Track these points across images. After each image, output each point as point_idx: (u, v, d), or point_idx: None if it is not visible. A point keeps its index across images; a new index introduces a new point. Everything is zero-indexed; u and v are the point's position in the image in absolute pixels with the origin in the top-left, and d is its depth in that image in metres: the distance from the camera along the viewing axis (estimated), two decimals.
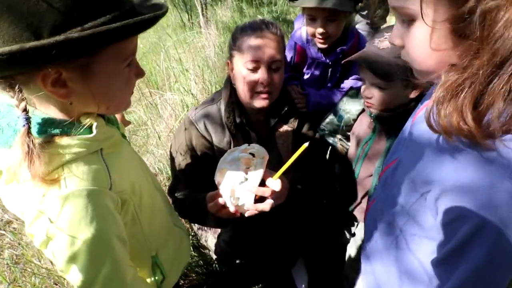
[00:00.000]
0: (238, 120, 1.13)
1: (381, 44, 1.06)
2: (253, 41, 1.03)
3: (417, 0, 0.47)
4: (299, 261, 1.55)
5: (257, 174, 0.91)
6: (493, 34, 0.42)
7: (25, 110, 0.56)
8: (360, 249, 1.43)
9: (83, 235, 0.59)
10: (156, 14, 0.58)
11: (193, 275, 1.69)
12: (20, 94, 0.55)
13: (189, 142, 1.16)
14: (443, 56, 0.50)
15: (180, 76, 2.78)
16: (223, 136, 1.15)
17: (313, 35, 1.46)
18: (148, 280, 0.88)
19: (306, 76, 1.65)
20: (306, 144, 0.87)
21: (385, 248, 0.74)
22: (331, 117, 1.35)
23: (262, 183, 0.93)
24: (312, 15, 1.40)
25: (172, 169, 1.24)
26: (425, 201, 0.58)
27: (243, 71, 1.06)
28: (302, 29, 1.55)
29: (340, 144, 1.43)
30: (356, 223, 1.44)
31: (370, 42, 1.11)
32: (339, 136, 1.36)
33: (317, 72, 1.61)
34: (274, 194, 0.94)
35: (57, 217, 0.58)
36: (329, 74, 1.59)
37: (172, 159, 1.22)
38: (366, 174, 1.27)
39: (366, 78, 1.12)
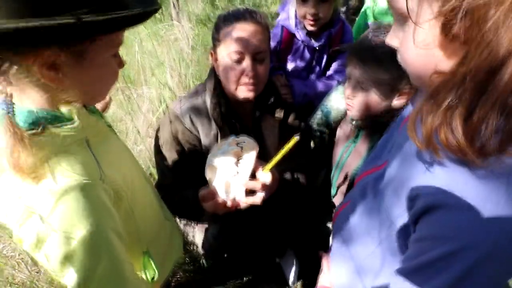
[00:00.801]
0: (224, 111, 1.10)
1: (375, 39, 1.04)
2: (237, 31, 1.00)
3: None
4: (288, 252, 1.56)
5: (247, 167, 0.91)
6: (481, 35, 0.38)
7: (11, 96, 0.52)
8: None
9: (78, 232, 0.56)
10: (156, 8, 0.58)
11: (181, 273, 1.66)
12: (7, 78, 0.52)
13: (175, 136, 1.12)
14: (431, 57, 0.45)
15: (155, 69, 2.69)
16: (209, 129, 1.12)
17: (304, 17, 1.47)
18: (140, 276, 0.84)
19: (290, 64, 1.65)
20: (297, 137, 0.87)
21: (350, 258, 0.70)
22: (319, 114, 1.35)
23: (253, 175, 0.92)
24: None
25: (158, 165, 1.19)
26: (407, 218, 0.53)
27: (227, 62, 1.03)
28: (290, 12, 1.55)
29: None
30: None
31: (364, 37, 1.10)
32: (327, 131, 1.36)
33: (302, 61, 1.62)
34: (264, 187, 0.93)
35: (49, 215, 0.53)
36: (314, 60, 1.60)
37: (157, 154, 1.17)
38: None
39: (353, 75, 1.08)
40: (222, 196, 0.92)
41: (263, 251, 1.48)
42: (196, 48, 3.14)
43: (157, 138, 1.17)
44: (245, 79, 1.04)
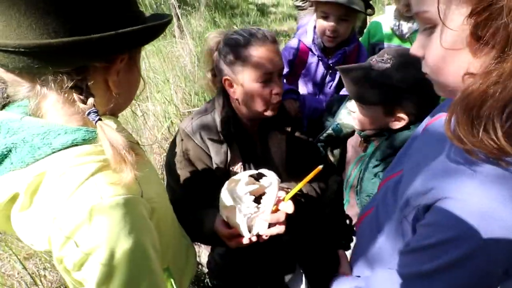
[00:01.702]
0: (233, 130, 1.10)
1: (375, 64, 1.06)
2: (263, 53, 1.00)
3: (435, 1, 0.44)
4: (297, 270, 1.53)
5: (270, 201, 0.91)
6: None
7: (94, 105, 0.55)
8: None
9: (122, 248, 0.54)
10: (171, 17, 0.66)
11: None
12: (88, 90, 0.55)
13: (185, 154, 1.11)
14: (459, 60, 0.45)
15: (159, 85, 2.70)
16: (220, 147, 1.12)
17: (323, 33, 1.50)
18: None
19: (302, 78, 1.68)
20: (320, 167, 0.87)
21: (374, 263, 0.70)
22: (329, 132, 1.37)
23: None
24: (326, 12, 1.46)
25: (168, 185, 1.18)
26: (418, 215, 0.54)
27: (255, 85, 1.02)
28: (309, 26, 1.59)
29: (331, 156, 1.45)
30: (354, 237, 1.46)
31: (369, 59, 1.12)
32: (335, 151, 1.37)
33: (316, 76, 1.65)
34: (287, 217, 0.94)
35: (94, 232, 0.52)
36: (328, 76, 1.63)
37: (168, 172, 1.17)
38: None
39: (349, 92, 1.12)
40: (246, 234, 0.92)
41: (271, 270, 1.46)
42: (199, 65, 3.18)
43: (168, 157, 1.17)
44: (274, 98, 1.05)
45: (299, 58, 1.66)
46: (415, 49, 0.54)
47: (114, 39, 0.52)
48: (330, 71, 1.63)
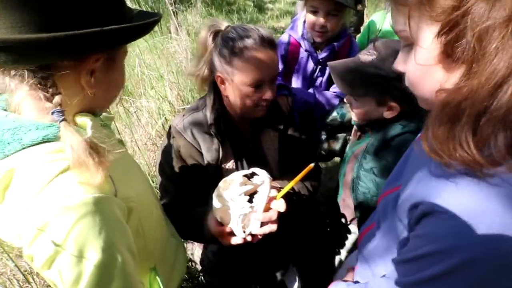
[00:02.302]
0: (223, 128, 1.09)
1: (362, 57, 1.07)
2: (256, 60, 0.96)
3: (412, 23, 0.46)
4: (291, 268, 1.53)
5: (262, 200, 0.91)
6: (483, 55, 0.40)
7: (60, 104, 0.53)
8: (349, 252, 1.45)
9: (92, 249, 0.53)
10: (160, 17, 0.65)
11: None
12: (54, 87, 0.53)
13: (177, 151, 1.10)
14: (433, 76, 0.48)
15: (154, 82, 2.68)
16: (211, 144, 1.10)
17: (312, 27, 1.50)
18: None
19: (294, 74, 1.67)
20: (311, 165, 0.87)
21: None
22: (334, 114, 1.38)
23: None
24: (315, 6, 1.45)
25: (161, 184, 1.17)
26: (407, 226, 0.56)
27: (246, 89, 1.00)
28: (299, 21, 1.58)
29: (328, 147, 1.45)
30: (349, 235, 1.47)
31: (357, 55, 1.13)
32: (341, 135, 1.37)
33: (305, 71, 1.65)
34: (279, 215, 0.93)
35: (62, 231, 0.51)
36: (318, 72, 1.62)
37: (160, 172, 1.16)
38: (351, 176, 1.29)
39: (337, 84, 1.14)
40: (240, 234, 0.92)
41: (265, 268, 1.45)
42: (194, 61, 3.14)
43: (159, 155, 1.16)
44: (263, 102, 1.04)
45: (290, 53, 1.65)
46: (397, 64, 0.57)
47: (82, 39, 0.50)
48: (320, 67, 1.63)
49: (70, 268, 0.52)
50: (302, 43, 1.59)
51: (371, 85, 1.05)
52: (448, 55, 0.44)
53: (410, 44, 0.51)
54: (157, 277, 0.80)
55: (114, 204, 0.59)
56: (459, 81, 0.44)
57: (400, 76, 1.00)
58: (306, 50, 1.59)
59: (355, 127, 1.28)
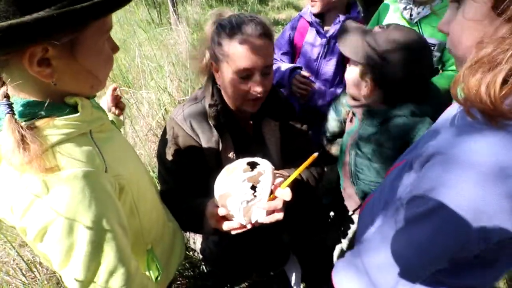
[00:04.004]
0: (223, 120, 1.08)
1: (375, 28, 1.09)
2: (245, 48, 0.93)
3: None
4: (292, 257, 1.54)
5: (266, 189, 0.89)
6: None
7: (6, 96, 0.52)
8: (351, 241, 1.46)
9: (82, 221, 0.55)
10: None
11: (181, 279, 1.63)
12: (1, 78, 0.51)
13: (176, 143, 1.09)
14: (477, 32, 0.50)
15: (154, 73, 2.67)
16: (211, 135, 1.09)
17: None
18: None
19: (303, 50, 1.69)
20: (315, 154, 0.85)
21: (381, 242, 0.72)
22: (331, 114, 1.37)
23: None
24: None
25: (160, 174, 1.17)
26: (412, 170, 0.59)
27: (234, 78, 0.97)
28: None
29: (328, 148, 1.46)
30: (351, 225, 1.48)
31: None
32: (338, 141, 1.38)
33: (315, 47, 1.66)
34: (285, 204, 0.91)
35: (53, 202, 0.53)
36: (327, 48, 1.63)
37: (159, 162, 1.16)
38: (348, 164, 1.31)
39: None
40: (241, 221, 0.90)
41: (265, 257, 1.46)
42: (194, 52, 3.12)
43: (159, 146, 1.15)
44: (252, 95, 1.00)
45: (297, 35, 1.67)
46: (441, 24, 0.59)
47: (5, 32, 0.46)
48: (326, 51, 1.62)
49: (61, 240, 0.54)
50: (304, 16, 1.63)
51: (365, 53, 1.07)
52: (498, 11, 0.47)
53: (457, 1, 0.53)
54: (154, 258, 0.82)
55: (104, 179, 0.60)
56: (502, 35, 0.47)
57: (387, 60, 1.03)
58: (313, 24, 1.61)
59: (347, 109, 1.30)
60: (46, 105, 0.56)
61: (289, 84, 1.60)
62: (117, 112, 1.06)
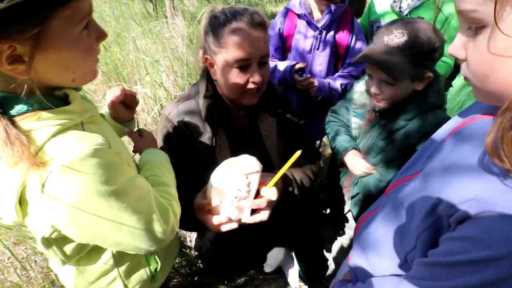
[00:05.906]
0: (217, 115, 1.06)
1: (391, 42, 1.05)
2: (241, 37, 0.92)
3: (490, 1, 0.39)
4: (288, 253, 1.53)
5: (253, 188, 0.88)
6: None
7: None
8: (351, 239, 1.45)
9: (100, 197, 0.58)
10: None
11: (178, 277, 1.62)
12: None
13: (169, 140, 1.08)
14: (509, 67, 0.41)
15: (149, 68, 2.63)
16: (204, 132, 1.07)
17: None
18: (143, 269, 0.87)
19: (294, 44, 1.67)
20: (298, 152, 0.84)
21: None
22: (342, 101, 1.40)
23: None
24: None
25: None
26: (443, 226, 0.50)
27: (231, 70, 0.96)
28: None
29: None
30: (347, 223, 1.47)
31: (377, 38, 1.10)
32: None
33: (306, 39, 1.64)
34: (270, 203, 0.90)
35: (69, 186, 0.55)
36: (320, 38, 1.61)
37: None
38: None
39: (374, 75, 1.12)
40: (232, 216, 0.90)
41: (262, 254, 1.45)
42: (191, 46, 3.08)
43: None
44: (250, 86, 0.99)
45: (286, 29, 1.65)
46: (455, 50, 0.49)
47: None
48: (319, 40, 1.60)
49: (82, 223, 0.58)
50: (294, 8, 1.61)
51: (416, 62, 1.04)
52: None
53: (477, 28, 0.43)
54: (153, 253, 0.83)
55: (111, 154, 0.62)
56: None
57: (438, 48, 1.03)
58: (303, 16, 1.58)
59: (372, 112, 1.27)
60: (36, 98, 0.55)
61: (292, 82, 1.60)
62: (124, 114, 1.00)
